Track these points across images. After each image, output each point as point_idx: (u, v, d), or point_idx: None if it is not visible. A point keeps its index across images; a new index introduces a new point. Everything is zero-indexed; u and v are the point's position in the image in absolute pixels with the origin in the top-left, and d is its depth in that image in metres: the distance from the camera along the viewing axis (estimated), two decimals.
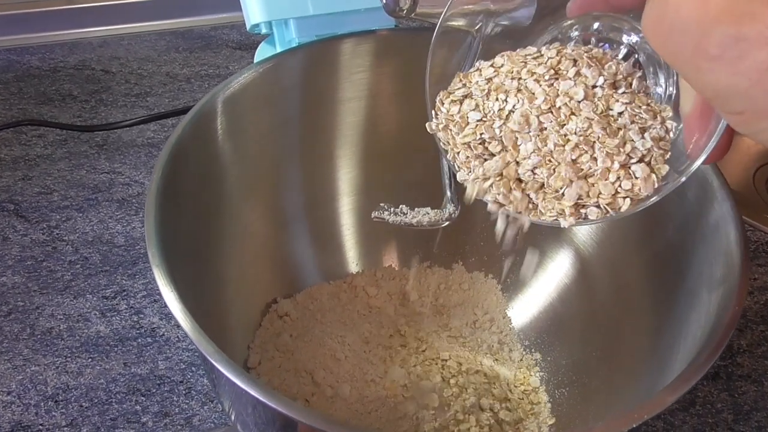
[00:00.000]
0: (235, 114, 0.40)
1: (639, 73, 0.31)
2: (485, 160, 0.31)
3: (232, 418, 0.35)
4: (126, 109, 0.66)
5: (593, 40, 0.33)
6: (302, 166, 0.45)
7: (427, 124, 0.33)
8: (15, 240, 0.54)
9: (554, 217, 0.30)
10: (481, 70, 0.32)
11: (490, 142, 0.30)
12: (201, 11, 0.74)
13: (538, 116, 0.29)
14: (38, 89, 0.67)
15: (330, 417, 0.38)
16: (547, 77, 0.30)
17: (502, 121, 0.30)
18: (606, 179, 0.29)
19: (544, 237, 0.46)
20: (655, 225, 0.39)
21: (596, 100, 0.29)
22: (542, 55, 0.31)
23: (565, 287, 0.45)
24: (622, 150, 0.29)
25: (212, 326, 0.37)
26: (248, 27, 0.46)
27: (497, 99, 0.31)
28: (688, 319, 0.34)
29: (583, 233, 0.44)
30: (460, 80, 0.33)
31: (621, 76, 0.30)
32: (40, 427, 0.43)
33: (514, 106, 0.30)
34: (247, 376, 0.27)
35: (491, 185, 0.30)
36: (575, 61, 0.30)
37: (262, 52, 0.49)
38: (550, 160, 0.29)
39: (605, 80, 0.30)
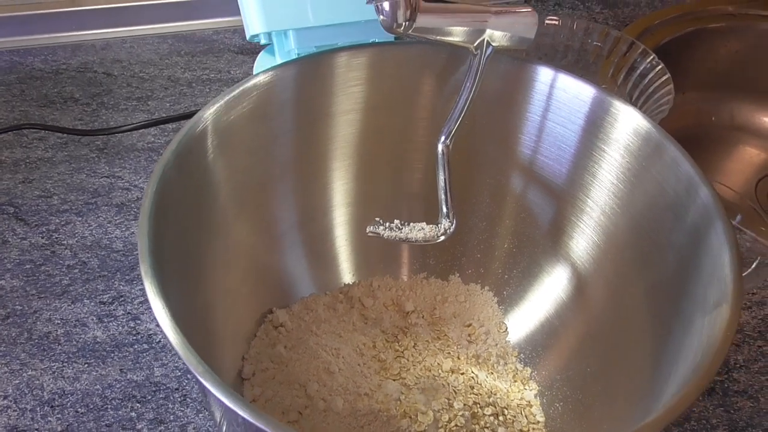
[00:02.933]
0: (230, 127, 0.40)
1: None
2: None
3: (223, 429, 0.35)
4: (127, 113, 0.66)
5: None
6: (298, 178, 0.45)
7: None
8: (14, 243, 0.54)
9: None
10: None
11: None
12: (203, 15, 0.74)
13: None
14: (40, 91, 0.67)
15: None
16: None
17: None
18: None
19: (541, 250, 0.46)
20: (653, 247, 0.39)
21: None
22: None
23: (562, 302, 0.45)
24: None
25: (206, 337, 0.37)
26: (248, 37, 0.46)
27: None
28: (683, 342, 0.34)
29: (581, 249, 0.44)
30: None
31: None
32: (36, 431, 0.44)
33: None
34: (234, 395, 0.27)
35: None
36: None
37: (262, 61, 0.49)
38: None
39: None
